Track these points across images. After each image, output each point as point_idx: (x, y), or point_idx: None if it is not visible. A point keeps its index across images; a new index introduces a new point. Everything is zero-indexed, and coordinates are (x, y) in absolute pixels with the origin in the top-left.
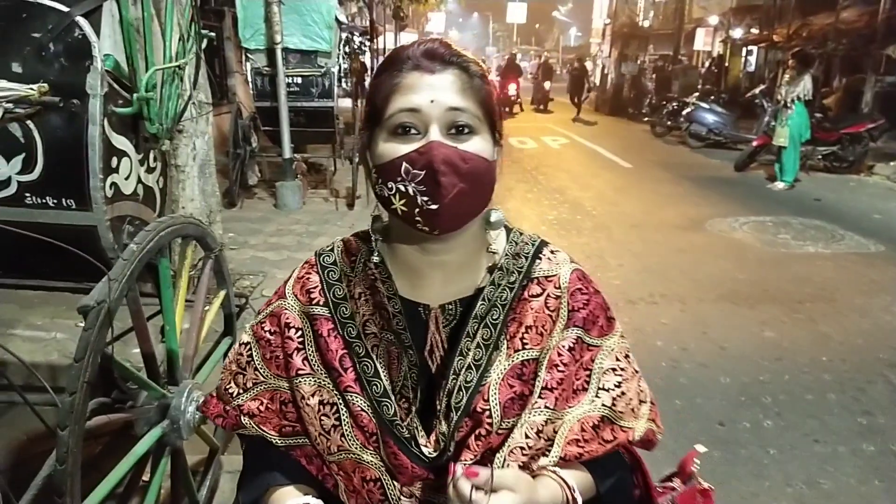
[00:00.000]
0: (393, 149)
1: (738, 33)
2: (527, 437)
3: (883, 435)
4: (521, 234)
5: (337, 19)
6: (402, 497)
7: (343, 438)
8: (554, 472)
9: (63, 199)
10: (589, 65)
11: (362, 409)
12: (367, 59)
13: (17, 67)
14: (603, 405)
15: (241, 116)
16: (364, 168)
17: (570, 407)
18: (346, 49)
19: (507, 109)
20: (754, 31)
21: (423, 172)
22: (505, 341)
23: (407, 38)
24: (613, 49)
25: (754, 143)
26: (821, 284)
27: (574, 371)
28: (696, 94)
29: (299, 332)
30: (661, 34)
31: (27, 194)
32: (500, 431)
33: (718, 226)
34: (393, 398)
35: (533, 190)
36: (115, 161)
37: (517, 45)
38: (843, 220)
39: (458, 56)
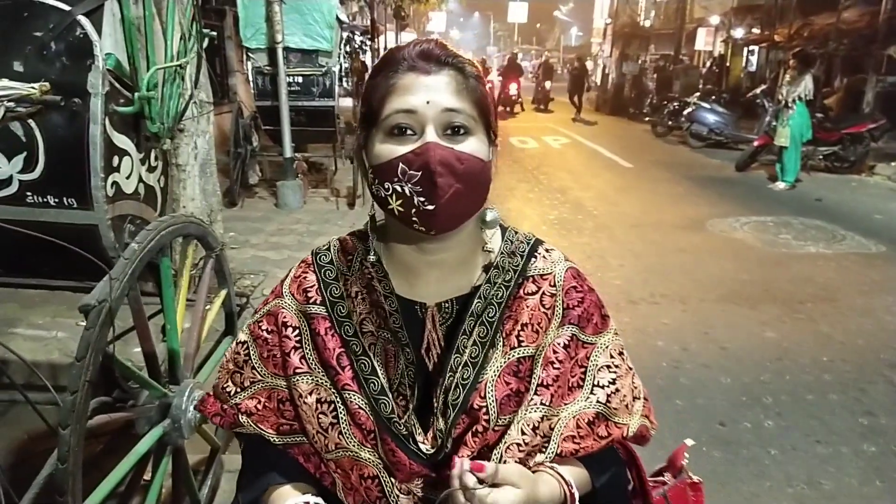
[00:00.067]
0: (389, 150)
1: (739, 33)
2: (523, 433)
3: (884, 435)
4: (516, 232)
5: (338, 18)
6: (399, 494)
7: (341, 436)
8: (551, 468)
9: (64, 198)
10: (590, 64)
11: (360, 407)
12: (367, 58)
13: (18, 66)
14: (598, 402)
15: (242, 116)
16: (360, 168)
17: (565, 404)
18: (347, 48)
19: (508, 109)
20: (755, 30)
21: (420, 173)
22: (501, 339)
23: (408, 37)
24: (614, 49)
25: (755, 143)
26: (822, 285)
27: (569, 368)
28: (697, 93)
29: (297, 331)
30: (663, 34)
31: (28, 193)
32: (496, 428)
33: (719, 226)
34: (390, 396)
35: (534, 190)
36: (116, 160)
37: (518, 45)
38: (844, 221)
39: (454, 57)
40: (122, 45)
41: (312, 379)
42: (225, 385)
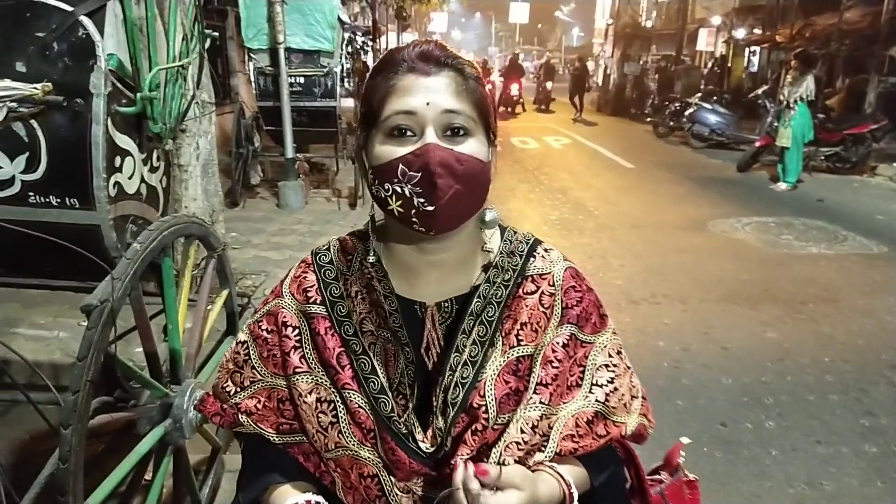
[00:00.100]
0: (389, 151)
1: (740, 34)
2: (522, 432)
3: (885, 436)
4: (515, 232)
5: (339, 19)
6: (399, 492)
7: (340, 435)
8: (551, 467)
9: (66, 199)
10: (591, 65)
11: (360, 406)
12: (369, 59)
13: (20, 67)
14: (596, 401)
15: (243, 116)
16: (360, 168)
17: (564, 403)
18: (349, 49)
19: (509, 109)
20: (757, 31)
21: (420, 174)
22: (500, 338)
23: (409, 38)
24: (616, 49)
25: (757, 144)
26: (823, 285)
27: (568, 367)
28: (699, 94)
29: (296, 331)
30: (664, 34)
31: (31, 193)
32: (495, 427)
33: (721, 226)
34: (390, 395)
35: (535, 190)
36: (118, 160)
37: (519, 46)
38: (845, 221)
39: (453, 58)
40: (124, 45)
41: (312, 378)
42: (224, 385)
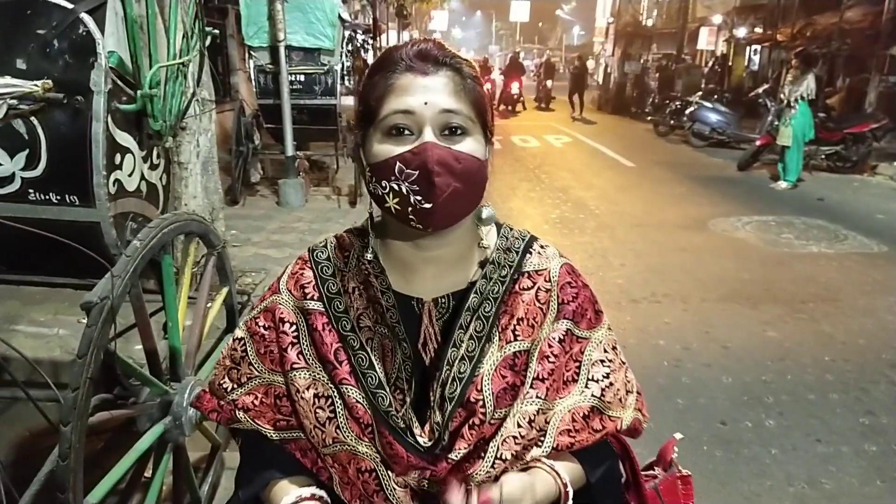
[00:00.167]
0: (387, 149)
1: (741, 32)
2: (519, 426)
3: (885, 435)
4: (511, 229)
5: (340, 17)
6: (396, 487)
7: (338, 430)
8: (547, 464)
9: (66, 196)
10: (591, 63)
11: (357, 401)
12: (369, 57)
13: (21, 64)
14: (592, 395)
15: (243, 114)
16: (358, 166)
17: (560, 398)
18: (349, 47)
19: (509, 108)
20: (758, 30)
21: (417, 172)
22: (497, 333)
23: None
24: (617, 48)
25: (757, 143)
26: (824, 284)
27: (564, 362)
28: (700, 93)
29: (294, 327)
30: (665, 33)
31: (31, 190)
32: (492, 421)
33: (721, 225)
34: (388, 389)
35: (536, 189)
36: (118, 158)
37: (520, 44)
38: (846, 220)
39: (451, 57)
40: (124, 42)
41: (310, 374)
42: (221, 381)
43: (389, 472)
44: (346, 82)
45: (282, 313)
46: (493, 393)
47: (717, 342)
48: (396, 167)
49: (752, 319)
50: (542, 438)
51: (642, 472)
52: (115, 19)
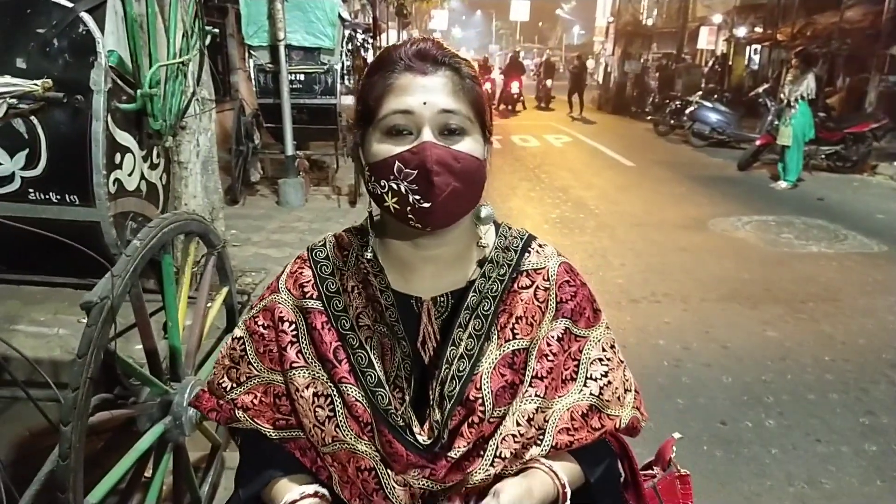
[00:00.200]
0: (386, 148)
1: (741, 32)
2: (518, 424)
3: (885, 435)
4: (509, 228)
5: (340, 16)
6: (395, 485)
7: (337, 429)
8: (545, 465)
9: (66, 195)
10: (592, 63)
11: (357, 400)
12: (369, 56)
13: (21, 63)
14: (591, 394)
15: (243, 113)
16: (356, 165)
17: (559, 396)
18: (349, 46)
19: (509, 107)
20: (758, 29)
21: (416, 172)
22: (496, 331)
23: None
24: (617, 47)
25: (757, 143)
26: (824, 284)
27: (562, 361)
28: (700, 92)
29: (293, 326)
30: (665, 32)
31: (31, 190)
32: (491, 420)
33: (721, 225)
34: (387, 388)
35: (536, 188)
36: (118, 157)
37: (520, 43)
38: (846, 220)
39: (450, 57)
40: (124, 42)
41: (309, 373)
42: (220, 381)
43: (389, 471)
44: (346, 81)
45: (281, 312)
46: (492, 391)
47: (717, 342)
48: (395, 167)
49: (752, 319)
50: (541, 437)
51: (641, 472)
52: (114, 18)
